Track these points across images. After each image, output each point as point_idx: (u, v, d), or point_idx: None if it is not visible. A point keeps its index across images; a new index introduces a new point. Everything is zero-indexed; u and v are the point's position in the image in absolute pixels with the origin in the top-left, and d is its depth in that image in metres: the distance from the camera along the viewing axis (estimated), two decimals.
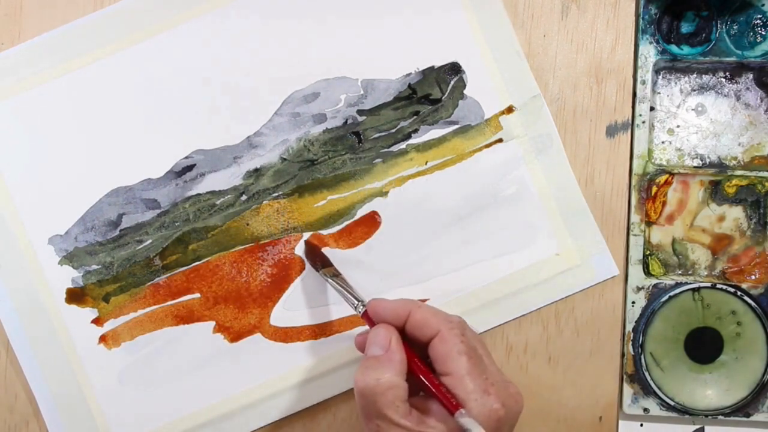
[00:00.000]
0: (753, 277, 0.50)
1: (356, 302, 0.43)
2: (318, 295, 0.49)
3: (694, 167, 0.51)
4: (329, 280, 0.46)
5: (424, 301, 0.49)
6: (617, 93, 0.50)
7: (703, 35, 0.50)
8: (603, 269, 0.49)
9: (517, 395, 0.40)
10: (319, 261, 0.47)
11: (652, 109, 0.50)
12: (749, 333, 0.50)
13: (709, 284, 0.49)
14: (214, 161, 0.49)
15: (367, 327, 0.43)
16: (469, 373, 0.38)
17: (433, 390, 0.38)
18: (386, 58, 0.49)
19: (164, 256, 0.49)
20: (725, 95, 0.51)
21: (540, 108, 0.49)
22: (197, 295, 0.49)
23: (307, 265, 0.49)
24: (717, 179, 0.50)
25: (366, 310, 0.42)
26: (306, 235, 0.49)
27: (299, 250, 0.49)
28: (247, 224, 0.49)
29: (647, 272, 0.50)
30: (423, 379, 0.39)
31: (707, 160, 0.51)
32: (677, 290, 0.49)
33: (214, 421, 0.49)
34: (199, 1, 0.48)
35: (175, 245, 0.49)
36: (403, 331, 0.41)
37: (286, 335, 0.49)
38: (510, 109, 0.49)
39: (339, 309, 0.49)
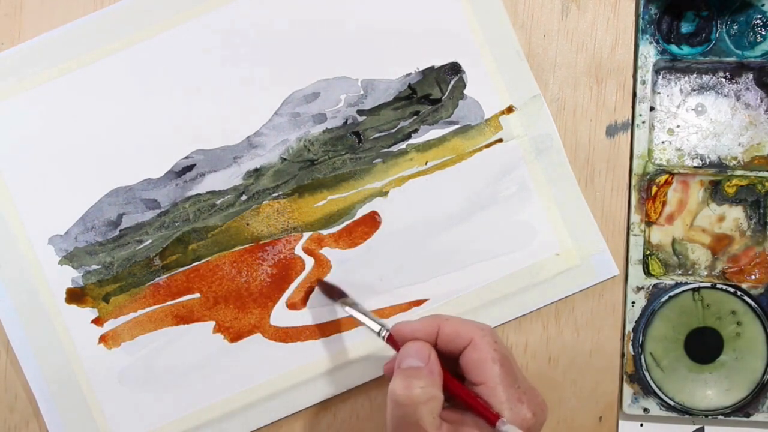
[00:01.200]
0: (753, 277, 0.50)
1: (379, 327, 0.43)
2: (318, 295, 0.49)
3: (694, 167, 0.51)
4: (348, 309, 0.45)
5: (423, 301, 0.49)
6: (617, 93, 0.50)
7: (703, 35, 0.50)
8: (603, 269, 0.49)
9: (543, 404, 0.40)
10: (336, 293, 0.47)
11: (652, 109, 0.51)
12: (749, 333, 0.50)
13: (709, 284, 0.49)
14: (214, 161, 0.49)
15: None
16: (503, 382, 0.38)
17: (470, 402, 0.38)
18: (386, 58, 0.49)
19: (164, 256, 0.49)
20: (725, 95, 0.51)
21: (540, 108, 0.49)
22: (197, 295, 0.49)
23: (307, 265, 0.49)
24: (717, 179, 0.50)
25: (390, 334, 0.42)
26: (306, 236, 0.49)
27: (299, 250, 0.49)
28: (247, 224, 0.49)
29: (647, 272, 0.50)
30: (459, 391, 0.39)
31: (707, 160, 0.51)
32: (677, 290, 0.49)
33: (214, 421, 0.49)
34: (200, 1, 0.48)
35: (175, 245, 0.49)
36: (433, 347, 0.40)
37: (286, 335, 0.49)
38: (510, 109, 0.49)
39: (338, 309, 0.49)
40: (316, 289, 0.49)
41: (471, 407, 0.38)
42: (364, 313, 0.45)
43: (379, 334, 0.42)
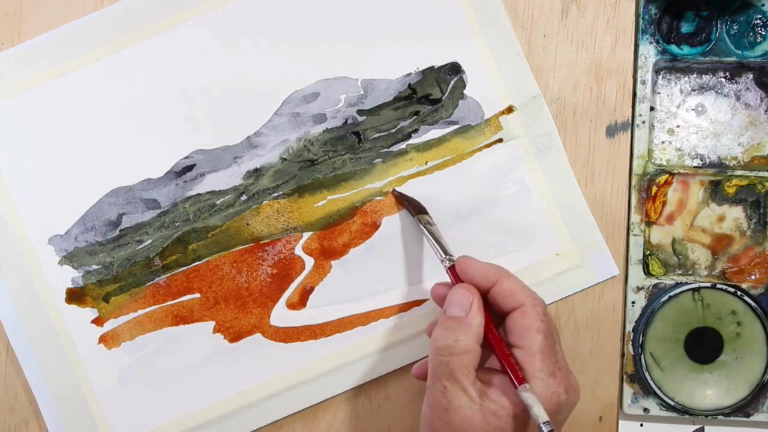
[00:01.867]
0: (753, 277, 0.50)
1: (444, 256, 0.43)
2: (318, 295, 0.49)
3: (694, 167, 0.51)
4: (423, 227, 0.45)
5: (423, 301, 0.49)
6: (617, 93, 0.50)
7: (703, 35, 0.50)
8: (603, 269, 0.49)
9: (576, 386, 0.40)
10: (414, 208, 0.47)
11: (652, 109, 0.51)
12: (749, 333, 0.50)
13: (709, 284, 0.49)
14: (214, 161, 0.49)
15: (446, 277, 0.43)
16: (541, 352, 0.38)
17: (504, 359, 0.38)
18: (386, 58, 0.49)
19: (164, 256, 0.49)
20: (725, 95, 0.51)
21: (540, 108, 0.49)
22: (197, 295, 0.49)
23: (307, 265, 0.49)
24: (717, 179, 0.50)
25: (453, 266, 0.42)
26: (306, 236, 0.49)
27: (299, 250, 0.49)
28: (247, 224, 0.49)
29: (647, 272, 0.50)
30: (495, 346, 0.39)
31: (707, 160, 0.51)
32: (677, 290, 0.49)
33: (214, 421, 0.49)
34: (200, 1, 0.48)
35: (175, 245, 0.49)
36: (484, 295, 0.41)
37: (286, 335, 0.49)
38: (510, 109, 0.49)
39: (339, 309, 0.49)
40: (397, 194, 0.48)
41: (503, 365, 0.38)
42: (436, 237, 0.44)
43: (442, 262, 0.43)
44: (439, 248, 0.44)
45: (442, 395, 0.38)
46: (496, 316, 0.40)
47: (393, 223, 0.49)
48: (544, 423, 0.36)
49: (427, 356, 0.42)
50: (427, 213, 0.47)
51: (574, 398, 0.40)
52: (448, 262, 0.43)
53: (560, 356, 0.40)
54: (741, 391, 0.49)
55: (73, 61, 0.48)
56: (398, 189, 0.49)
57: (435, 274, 0.49)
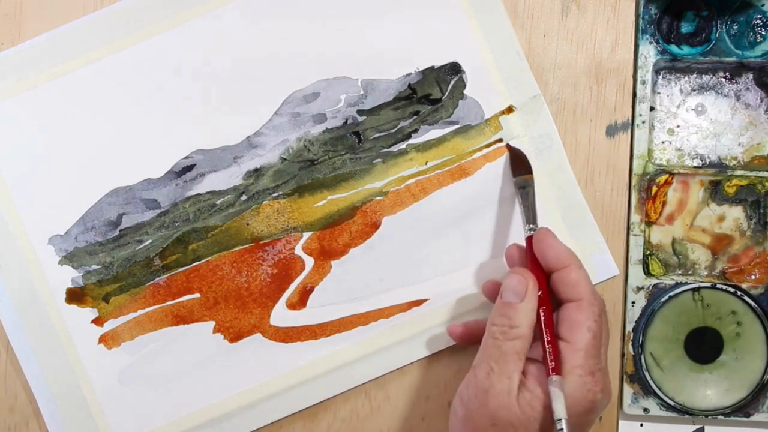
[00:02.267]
0: (753, 277, 0.50)
1: (527, 225, 0.44)
2: (318, 295, 0.49)
3: (694, 167, 0.51)
4: (517, 190, 0.46)
5: (423, 301, 0.49)
6: (617, 93, 0.50)
7: (703, 35, 0.50)
8: (603, 269, 0.49)
9: (610, 388, 0.40)
10: (520, 167, 0.48)
11: (652, 109, 0.51)
12: (749, 333, 0.50)
13: (709, 284, 0.49)
14: (214, 161, 0.49)
15: (514, 243, 0.45)
16: (587, 350, 0.39)
17: (546, 344, 0.39)
18: (386, 58, 0.49)
19: (164, 256, 0.49)
20: (725, 95, 0.51)
21: (540, 108, 0.49)
22: (197, 295, 0.49)
23: (307, 265, 0.49)
24: (717, 179, 0.50)
25: (532, 236, 0.43)
26: (306, 236, 0.49)
27: (299, 250, 0.49)
28: (247, 224, 0.49)
29: (647, 272, 0.50)
30: (542, 333, 0.40)
31: (707, 160, 0.51)
32: (677, 290, 0.49)
33: (214, 421, 0.49)
34: (200, 1, 0.48)
35: (175, 245, 0.49)
36: (548, 275, 0.41)
37: (286, 335, 0.49)
38: (510, 109, 0.49)
39: (339, 309, 0.49)
40: (508, 150, 0.49)
41: (545, 352, 0.39)
42: (527, 203, 0.45)
43: (524, 228, 0.44)
44: (524, 213, 0.44)
45: (486, 376, 0.39)
46: (552, 299, 0.41)
47: (393, 223, 0.49)
48: (558, 420, 0.36)
49: (466, 319, 0.45)
50: (530, 173, 0.47)
51: (607, 400, 0.40)
52: (529, 231, 0.43)
53: (602, 358, 0.40)
54: (741, 391, 0.49)
55: (73, 61, 0.48)
56: (511, 143, 0.49)
57: (436, 273, 0.49)
